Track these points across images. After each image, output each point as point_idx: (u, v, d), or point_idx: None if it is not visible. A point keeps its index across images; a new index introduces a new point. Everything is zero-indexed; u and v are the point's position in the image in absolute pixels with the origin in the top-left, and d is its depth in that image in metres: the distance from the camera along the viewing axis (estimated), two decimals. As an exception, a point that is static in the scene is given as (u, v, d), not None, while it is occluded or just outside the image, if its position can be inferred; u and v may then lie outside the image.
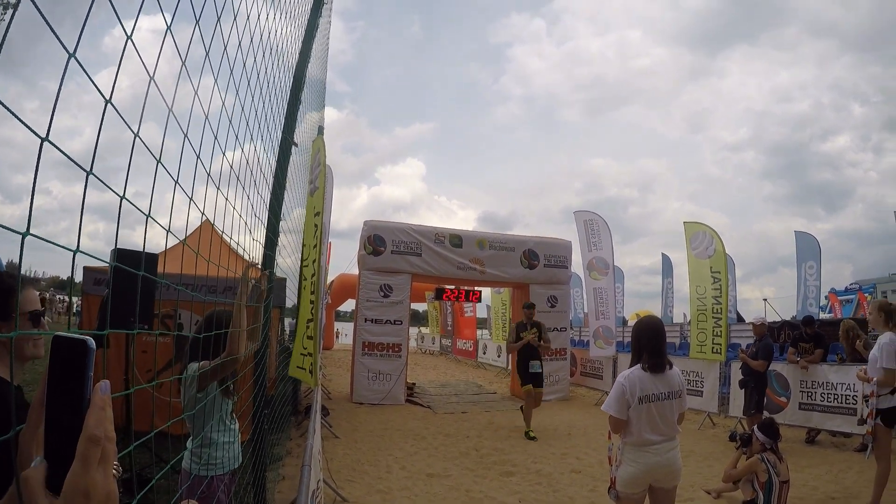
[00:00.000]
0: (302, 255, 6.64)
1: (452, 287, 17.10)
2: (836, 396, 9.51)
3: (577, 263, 17.16)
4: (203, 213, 2.28)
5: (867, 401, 6.26)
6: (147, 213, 1.68)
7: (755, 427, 6.02)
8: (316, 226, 5.96)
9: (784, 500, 5.60)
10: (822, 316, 22.92)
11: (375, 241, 13.63)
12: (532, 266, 15.31)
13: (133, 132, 1.49)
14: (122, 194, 1.34)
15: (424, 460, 8.27)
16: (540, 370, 10.58)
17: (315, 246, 5.98)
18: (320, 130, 6.49)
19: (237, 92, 2.73)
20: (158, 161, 1.69)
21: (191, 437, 3.48)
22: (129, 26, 1.28)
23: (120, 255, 2.96)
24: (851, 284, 33.87)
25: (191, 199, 2.02)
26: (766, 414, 9.65)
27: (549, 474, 7.75)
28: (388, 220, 14.84)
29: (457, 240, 14.68)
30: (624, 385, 3.99)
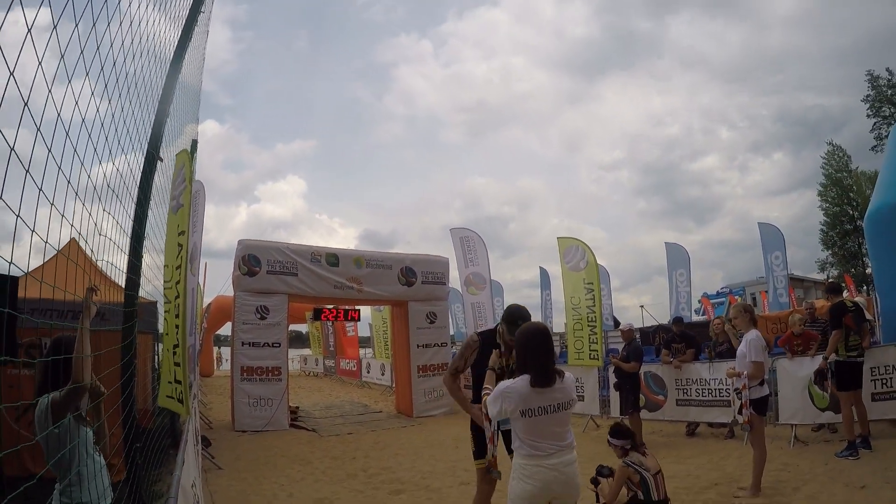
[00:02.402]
0: (164, 276, 6.29)
1: (331, 307, 16.84)
2: (710, 391, 10.07)
3: (454, 279, 17.34)
4: (46, 241, 2.09)
5: (739, 394, 6.62)
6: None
7: (608, 437, 6.20)
8: (180, 245, 5.65)
9: (662, 487, 5.76)
10: (696, 318, 24.29)
11: (250, 261, 13.19)
12: (409, 283, 15.27)
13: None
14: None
15: (311, 485, 8.01)
16: None
17: (178, 267, 5.67)
18: (194, 146, 6.17)
19: (103, 94, 2.54)
20: None
21: (57, 480, 3.17)
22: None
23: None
24: (722, 288, 36.57)
25: (20, 226, 1.84)
26: (645, 412, 10.24)
27: (439, 489, 7.68)
28: (266, 239, 14.46)
29: (333, 258, 14.45)
30: (505, 395, 3.66)
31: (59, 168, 2.09)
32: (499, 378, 4.27)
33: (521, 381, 3.66)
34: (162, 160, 4.57)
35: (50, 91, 1.94)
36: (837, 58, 72.76)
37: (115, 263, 3.62)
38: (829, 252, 45.47)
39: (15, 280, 3.99)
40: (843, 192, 44.84)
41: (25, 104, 1.67)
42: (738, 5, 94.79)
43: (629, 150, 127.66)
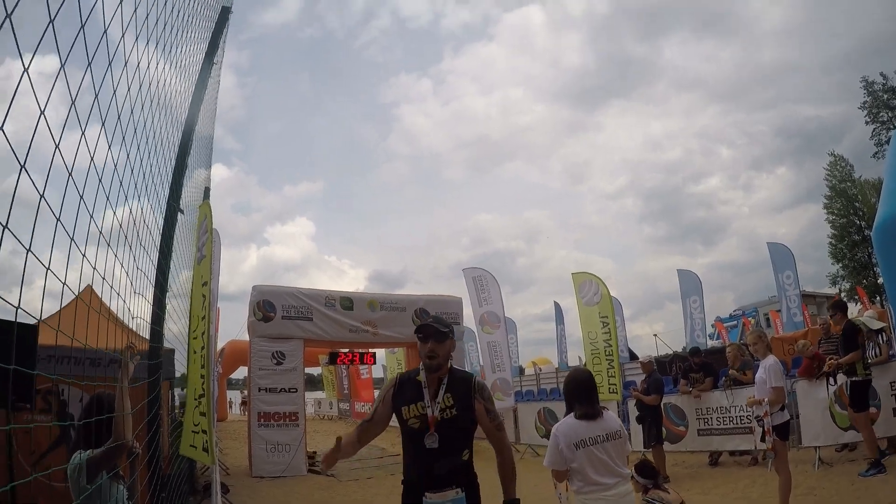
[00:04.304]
0: (190, 326, 6.32)
1: (346, 350, 16.81)
2: (731, 418, 9.97)
3: (468, 318, 17.33)
4: (65, 286, 2.11)
5: (760, 421, 6.58)
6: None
7: (633, 469, 6.13)
8: (204, 296, 5.70)
9: None
10: (711, 343, 24.12)
11: (265, 306, 13.25)
12: (424, 324, 15.14)
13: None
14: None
15: (333, 531, 7.93)
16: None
17: (204, 317, 5.71)
18: (206, 193, 6.25)
19: (117, 143, 2.59)
20: (5, 227, 1.52)
21: None
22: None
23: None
24: (735, 311, 36.14)
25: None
26: (666, 444, 10.20)
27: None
28: (277, 283, 14.53)
29: (347, 302, 14.51)
30: (557, 436, 3.99)
31: (91, 214, 2.13)
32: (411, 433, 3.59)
33: (568, 418, 4.07)
34: (183, 212, 4.64)
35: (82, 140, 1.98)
36: (831, 67, 73.01)
37: (132, 310, 3.64)
38: (840, 265, 44.99)
39: (35, 329, 4.01)
40: (848, 202, 44.53)
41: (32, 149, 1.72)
42: (727, 23, 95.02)
43: (631, 178, 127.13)
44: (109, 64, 2.28)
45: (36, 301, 1.85)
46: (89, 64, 2.04)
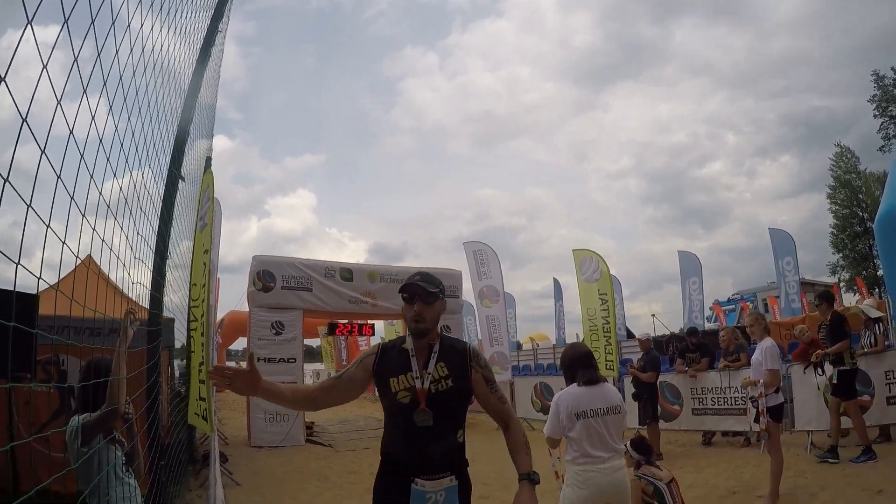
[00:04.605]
0: (191, 294, 6.33)
1: (345, 321, 16.85)
2: (725, 399, 10.10)
3: (467, 291, 17.38)
4: (76, 255, 2.10)
5: (754, 402, 6.63)
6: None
7: (628, 444, 6.17)
8: (205, 264, 5.71)
9: (678, 495, 5.73)
10: (708, 326, 24.18)
11: (265, 276, 13.27)
12: (424, 297, 15.17)
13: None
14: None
15: (330, 501, 8.02)
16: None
17: (204, 285, 5.71)
18: (208, 162, 6.22)
19: (109, 110, 2.56)
20: (6, 180, 1.49)
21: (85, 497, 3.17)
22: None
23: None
24: (733, 295, 36.24)
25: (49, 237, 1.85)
26: (661, 422, 10.27)
27: (457, 502, 7.62)
28: (277, 254, 14.53)
29: (347, 273, 14.53)
30: (559, 404, 4.04)
31: (91, 175, 2.11)
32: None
33: (572, 387, 4.11)
34: (184, 179, 4.62)
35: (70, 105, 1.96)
36: (841, 59, 72.11)
37: (133, 280, 3.64)
38: (840, 255, 44.90)
39: (36, 298, 4.01)
40: (852, 193, 44.37)
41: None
42: (740, 11, 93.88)
43: (636, 158, 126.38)
44: (112, 23, 2.25)
45: (36, 271, 1.83)
46: (92, 21, 2.01)
